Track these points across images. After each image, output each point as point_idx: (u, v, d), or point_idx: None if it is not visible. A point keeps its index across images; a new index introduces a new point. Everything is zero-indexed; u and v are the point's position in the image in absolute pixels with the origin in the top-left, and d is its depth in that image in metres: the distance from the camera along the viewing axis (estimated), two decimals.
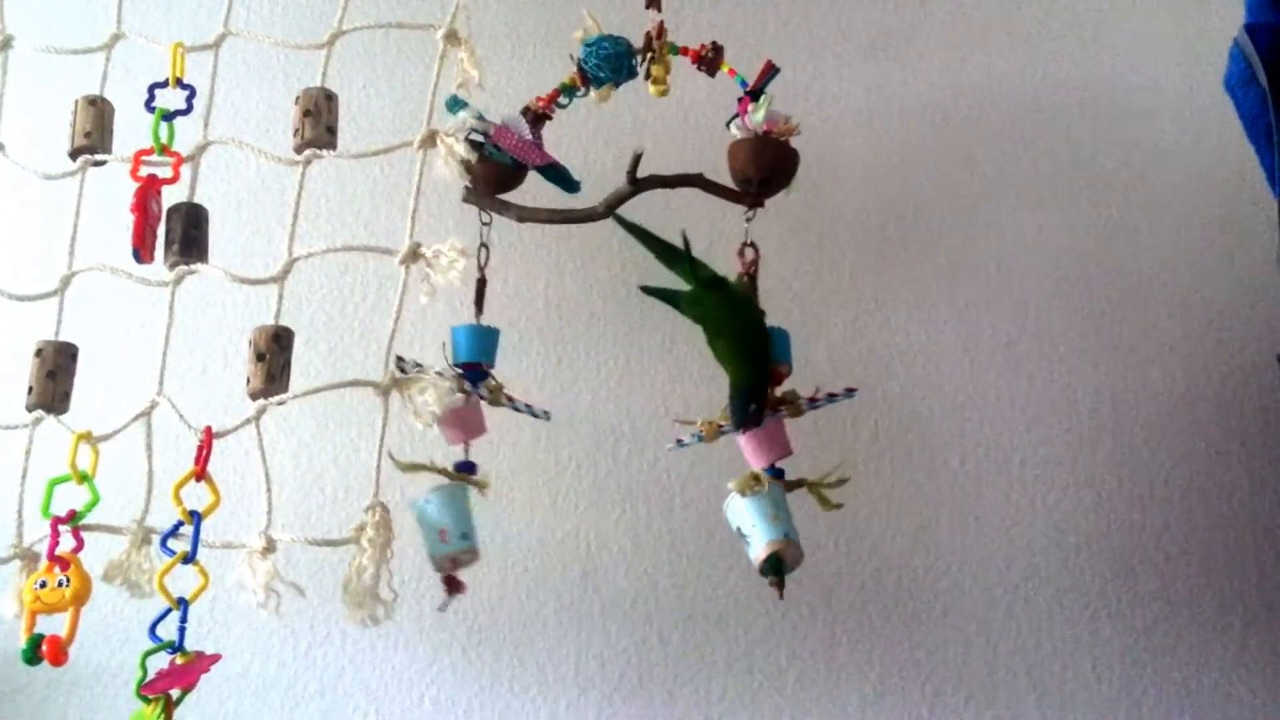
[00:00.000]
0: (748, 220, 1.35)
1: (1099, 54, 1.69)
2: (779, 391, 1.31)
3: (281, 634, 1.45)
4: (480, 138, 1.33)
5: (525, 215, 1.39)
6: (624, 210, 1.36)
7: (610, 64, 1.35)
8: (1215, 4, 1.65)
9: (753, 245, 1.34)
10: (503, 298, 1.55)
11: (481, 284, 1.39)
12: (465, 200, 1.40)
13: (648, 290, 1.32)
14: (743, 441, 1.29)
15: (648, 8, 1.39)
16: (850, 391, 1.30)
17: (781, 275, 1.58)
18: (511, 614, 1.44)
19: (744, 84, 1.35)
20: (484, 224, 1.40)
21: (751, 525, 1.27)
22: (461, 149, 1.24)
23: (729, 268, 1.32)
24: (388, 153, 1.29)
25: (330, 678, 1.44)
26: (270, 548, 1.14)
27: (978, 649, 1.46)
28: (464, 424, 1.33)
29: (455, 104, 1.33)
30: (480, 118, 1.33)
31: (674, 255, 1.32)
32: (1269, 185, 1.21)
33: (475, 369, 1.34)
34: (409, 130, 1.28)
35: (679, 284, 1.31)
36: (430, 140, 1.26)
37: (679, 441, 1.33)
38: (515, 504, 1.49)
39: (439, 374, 1.25)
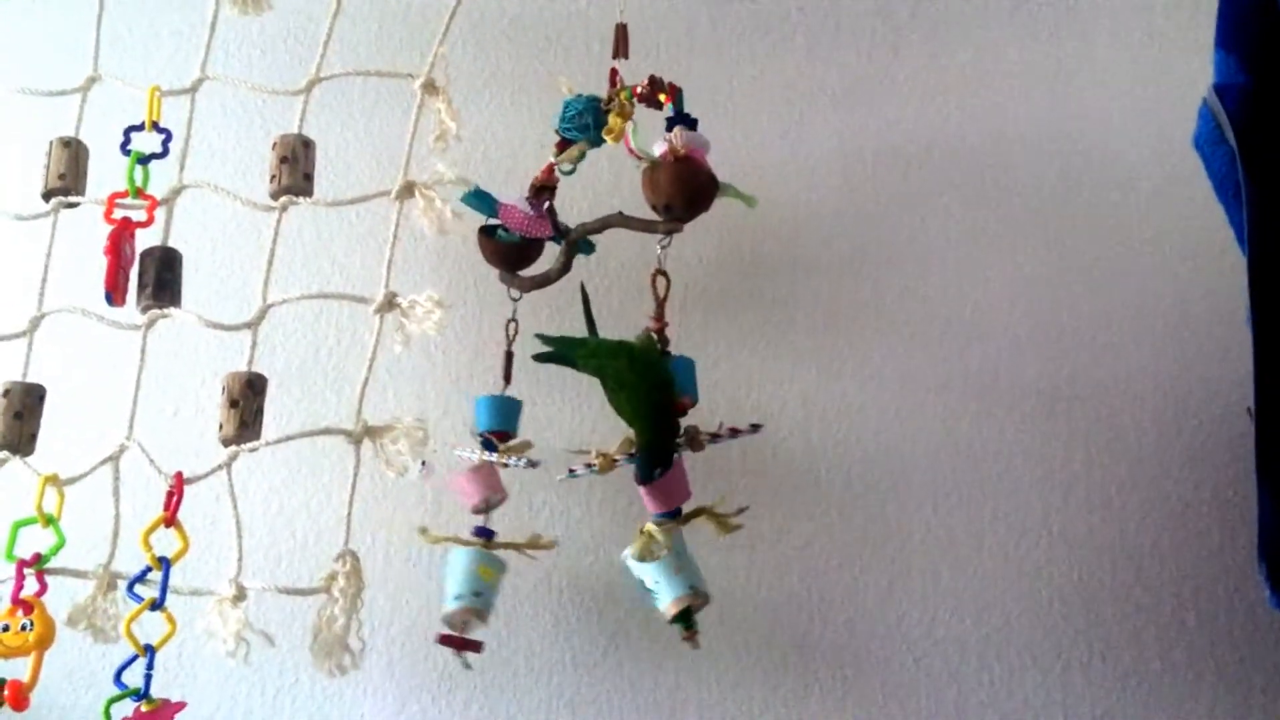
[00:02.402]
0: (662, 247, 1.35)
1: (1070, 108, 1.71)
2: (682, 424, 1.30)
3: (249, 681, 1.43)
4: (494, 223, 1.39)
5: (518, 284, 1.45)
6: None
7: (576, 123, 1.36)
8: (1185, 62, 1.67)
9: (664, 273, 1.34)
10: (478, 343, 1.55)
11: (509, 357, 1.44)
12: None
13: (538, 357, 1.33)
14: (643, 491, 1.29)
15: (614, 57, 1.40)
16: (755, 427, 1.30)
17: (752, 323, 1.58)
18: (481, 662, 1.43)
19: (674, 113, 1.35)
20: (514, 300, 1.45)
21: (654, 582, 1.27)
22: (439, 202, 1.25)
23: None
24: (364, 201, 1.29)
25: None
26: (241, 596, 1.13)
27: (950, 699, 1.46)
28: (480, 487, 1.37)
29: (471, 197, 1.38)
30: (486, 200, 1.39)
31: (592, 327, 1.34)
32: (1238, 243, 1.22)
33: (501, 437, 1.39)
34: (386, 178, 1.28)
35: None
36: (408, 191, 1.27)
37: (571, 472, 1.34)
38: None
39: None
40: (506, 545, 1.37)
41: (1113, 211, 1.66)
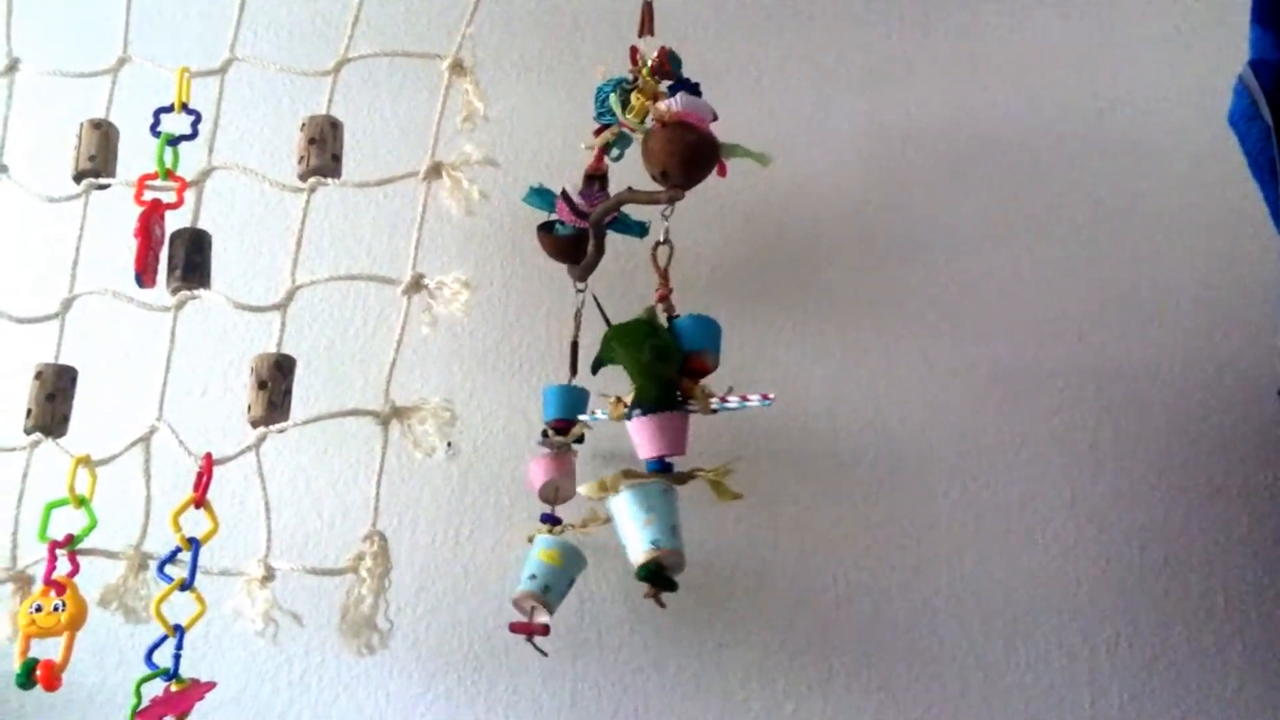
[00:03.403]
0: (665, 216, 1.34)
1: (1102, 87, 1.70)
2: (699, 384, 1.28)
3: (277, 661, 1.44)
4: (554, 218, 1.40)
5: (574, 275, 1.46)
6: None
7: (606, 107, 1.36)
8: (1219, 39, 1.66)
9: (668, 242, 1.33)
10: (504, 324, 1.56)
11: (574, 347, 1.45)
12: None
13: (593, 370, 1.34)
14: (634, 427, 1.26)
15: (640, 35, 1.39)
16: (766, 398, 1.29)
17: (776, 305, 1.58)
18: (508, 642, 1.43)
19: (678, 84, 1.35)
20: (578, 291, 1.45)
21: (624, 535, 1.26)
22: (467, 183, 1.25)
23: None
24: (392, 182, 1.29)
25: (325, 705, 1.43)
26: (269, 576, 1.14)
27: (975, 683, 1.45)
28: (549, 472, 1.39)
29: (533, 196, 1.39)
30: (546, 196, 1.39)
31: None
32: (1272, 220, 1.21)
33: (565, 426, 1.41)
34: (414, 159, 1.28)
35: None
36: (435, 172, 1.27)
37: (592, 414, 1.35)
38: (513, 532, 1.49)
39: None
40: (568, 527, 1.40)
41: (1143, 192, 1.64)
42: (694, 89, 1.33)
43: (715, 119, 1.33)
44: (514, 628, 1.35)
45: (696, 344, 1.28)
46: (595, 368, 1.32)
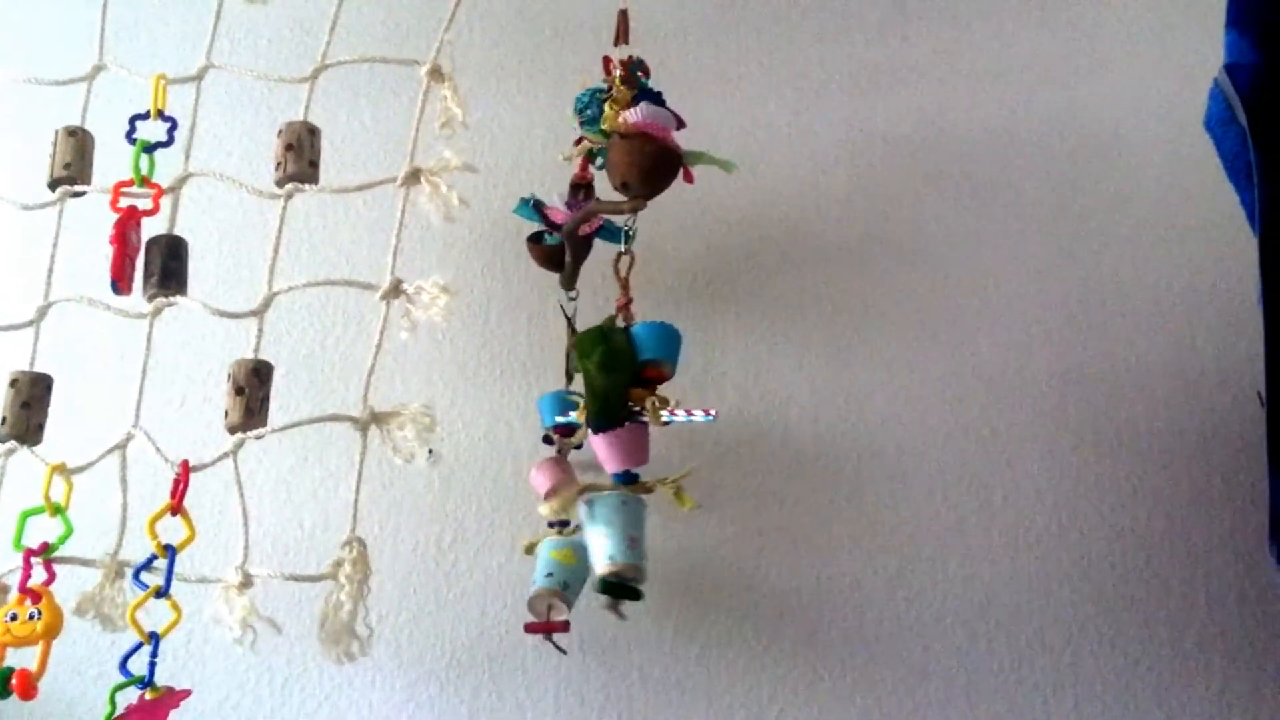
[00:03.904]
0: (626, 227, 1.34)
1: (1079, 92, 1.71)
2: (655, 392, 1.29)
3: (257, 669, 1.43)
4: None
5: (562, 283, 1.46)
6: None
7: (585, 117, 1.36)
8: (1195, 44, 1.66)
9: (630, 253, 1.34)
10: (485, 329, 1.56)
11: (569, 354, 1.43)
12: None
13: (569, 377, 1.36)
14: (595, 443, 1.28)
15: (616, 44, 1.39)
16: (708, 414, 1.29)
17: (760, 311, 1.58)
18: (490, 649, 1.43)
19: (641, 93, 1.35)
20: (571, 299, 1.45)
21: (589, 546, 1.27)
22: (445, 189, 1.25)
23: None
24: (370, 188, 1.29)
25: (307, 714, 1.43)
26: (247, 583, 1.13)
27: (960, 685, 1.45)
28: (553, 477, 1.36)
29: (523, 208, 1.39)
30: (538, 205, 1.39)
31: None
32: (1249, 223, 1.21)
33: (566, 433, 1.40)
34: (392, 165, 1.28)
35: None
36: (414, 177, 1.27)
37: (566, 416, 1.36)
38: (495, 539, 1.48)
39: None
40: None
41: (1122, 197, 1.65)
42: (657, 98, 1.33)
43: (681, 126, 1.33)
44: (531, 628, 1.35)
45: (652, 353, 1.28)
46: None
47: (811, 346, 1.58)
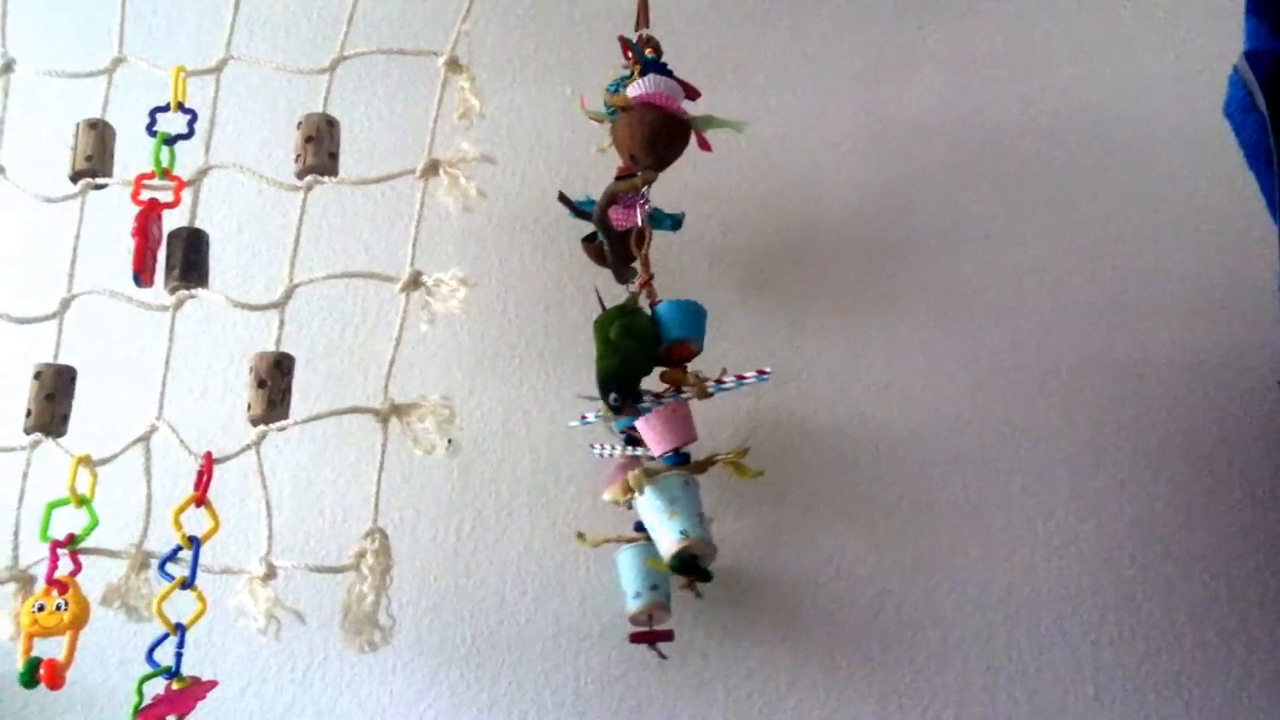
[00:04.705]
0: (641, 202, 1.35)
1: (1097, 79, 1.70)
2: (688, 371, 1.30)
3: (279, 658, 1.44)
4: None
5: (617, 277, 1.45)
6: None
7: (610, 106, 1.36)
8: (1214, 31, 1.65)
9: (646, 229, 1.34)
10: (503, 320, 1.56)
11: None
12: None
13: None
14: (642, 427, 1.28)
15: (636, 29, 1.40)
16: (762, 374, 1.29)
17: (778, 299, 1.58)
18: (510, 637, 1.44)
19: (647, 66, 1.35)
20: (631, 292, 1.43)
21: (651, 529, 1.27)
22: (464, 180, 1.25)
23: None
24: (389, 180, 1.29)
25: (328, 702, 1.43)
26: (271, 574, 1.13)
27: (978, 675, 1.45)
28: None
29: (590, 203, 1.38)
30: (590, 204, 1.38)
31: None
32: (1269, 211, 1.21)
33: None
34: (411, 156, 1.28)
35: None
36: (432, 169, 1.27)
37: (582, 418, 1.37)
38: (515, 527, 1.49)
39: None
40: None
41: (1141, 185, 1.64)
42: (663, 69, 1.34)
43: (693, 95, 1.33)
44: (637, 638, 1.37)
45: (676, 332, 1.29)
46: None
47: (828, 336, 1.58)
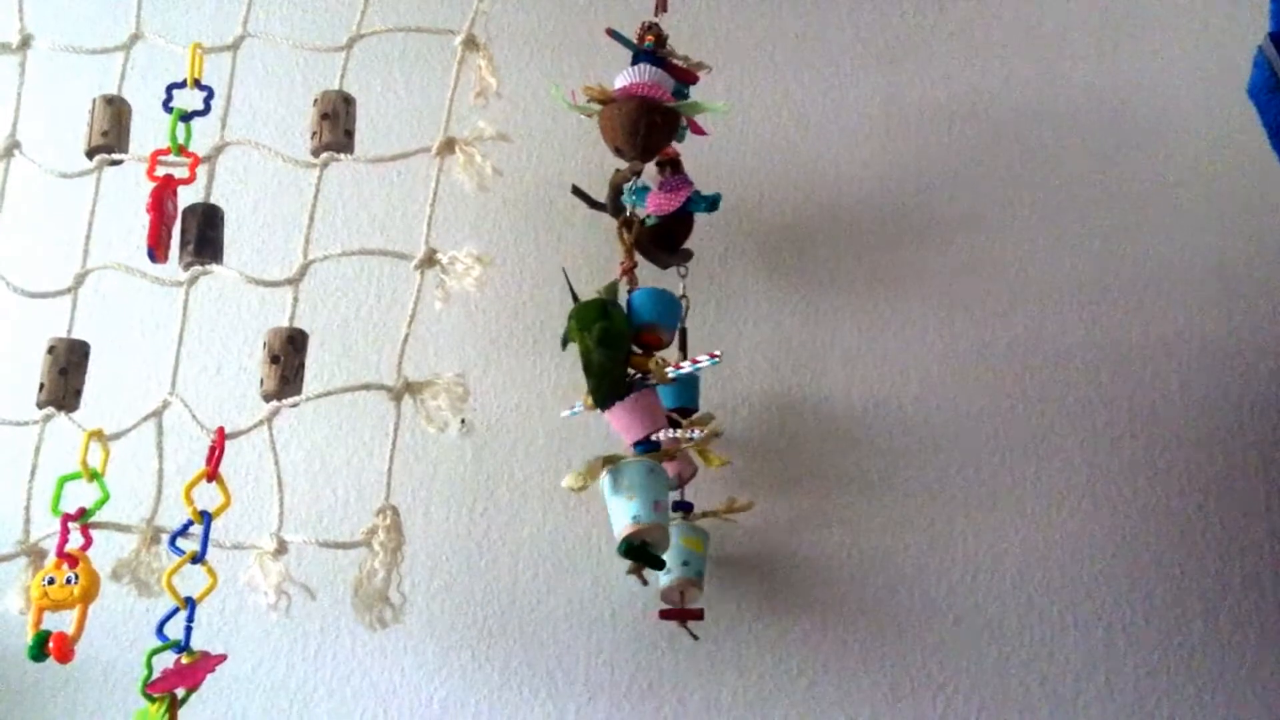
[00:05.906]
0: (629, 190, 1.35)
1: (1119, 61, 1.69)
2: (656, 356, 1.30)
3: (291, 635, 1.45)
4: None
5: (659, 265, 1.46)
6: None
7: None
8: (1238, 12, 1.64)
9: (632, 217, 1.35)
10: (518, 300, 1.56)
11: (683, 333, 1.45)
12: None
13: (563, 343, 1.33)
14: (609, 418, 1.28)
15: (656, 13, 1.39)
16: (713, 357, 1.30)
17: (793, 283, 1.58)
18: (522, 617, 1.44)
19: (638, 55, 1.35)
20: (681, 277, 1.46)
21: (609, 513, 1.27)
22: (480, 158, 1.24)
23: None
24: (405, 158, 1.29)
25: (339, 679, 1.44)
26: (282, 549, 1.13)
27: (990, 659, 1.45)
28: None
29: (633, 194, 1.37)
30: (640, 194, 1.37)
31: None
32: None
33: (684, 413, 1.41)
34: (427, 134, 1.28)
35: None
36: (448, 147, 1.26)
37: (572, 409, 1.35)
38: (527, 508, 1.49)
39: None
40: (705, 515, 1.41)
41: (1161, 167, 1.63)
42: (650, 58, 1.33)
43: (689, 80, 1.33)
44: (667, 615, 1.37)
45: (648, 318, 1.29)
46: (563, 344, 1.32)
47: (844, 319, 1.58)
